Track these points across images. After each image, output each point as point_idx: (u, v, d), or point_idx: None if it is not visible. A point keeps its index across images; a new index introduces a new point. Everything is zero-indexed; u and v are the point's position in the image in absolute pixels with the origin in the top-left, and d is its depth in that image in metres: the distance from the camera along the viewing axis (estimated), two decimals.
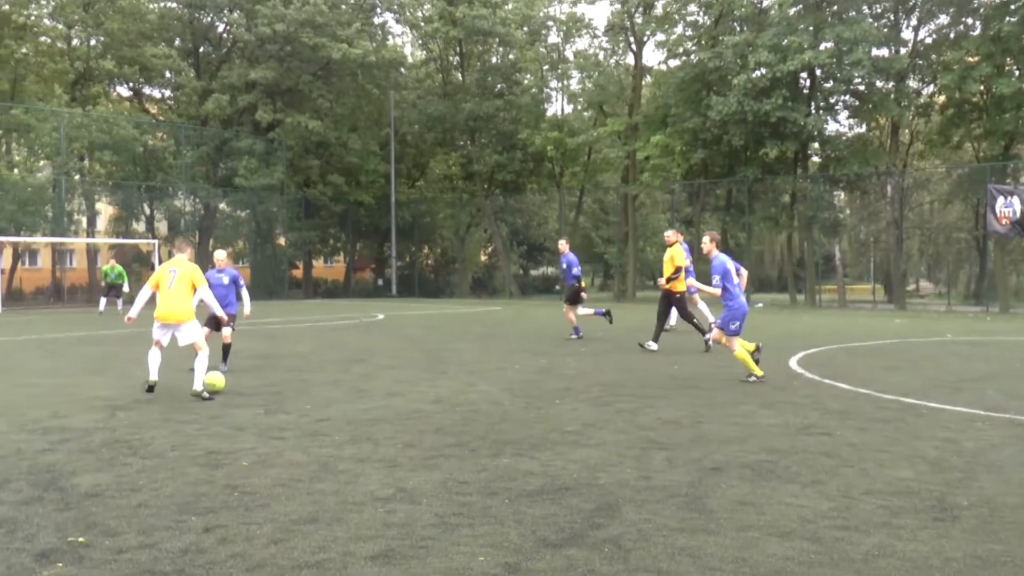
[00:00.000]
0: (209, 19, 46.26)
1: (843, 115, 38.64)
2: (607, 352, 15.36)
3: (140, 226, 47.15)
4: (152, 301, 10.68)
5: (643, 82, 44.18)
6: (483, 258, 63.04)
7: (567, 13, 46.66)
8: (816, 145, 38.68)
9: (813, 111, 35.08)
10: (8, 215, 35.67)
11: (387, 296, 46.10)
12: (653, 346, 15.56)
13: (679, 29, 40.50)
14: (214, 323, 12.47)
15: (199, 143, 43.37)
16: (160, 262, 39.35)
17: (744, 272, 12.20)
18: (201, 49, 46.71)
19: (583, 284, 18.64)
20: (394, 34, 52.66)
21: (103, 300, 29.92)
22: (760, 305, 34.93)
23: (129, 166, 42.43)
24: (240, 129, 44.32)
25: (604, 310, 19.15)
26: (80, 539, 4.93)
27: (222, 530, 5.05)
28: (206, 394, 9.95)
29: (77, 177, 41.69)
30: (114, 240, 46.81)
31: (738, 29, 37.23)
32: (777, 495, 5.71)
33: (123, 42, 41.24)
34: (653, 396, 10.09)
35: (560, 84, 47.78)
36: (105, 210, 50.08)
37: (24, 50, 37.70)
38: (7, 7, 37.00)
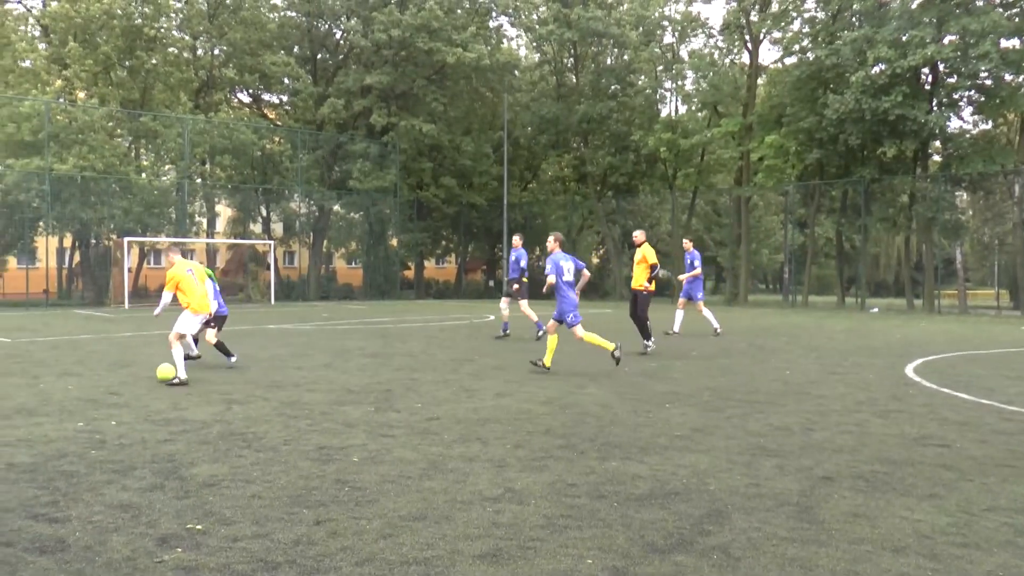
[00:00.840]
0: (327, 27, 47.36)
1: (967, 111, 37.28)
2: (716, 356, 15.17)
3: (257, 227, 48.57)
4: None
5: (758, 81, 43.45)
6: (594, 260, 62.87)
7: (682, 12, 46.19)
8: (937, 143, 37.35)
9: (935, 108, 33.85)
10: (135, 217, 37.28)
11: (498, 297, 46.31)
12: (651, 345, 15.79)
13: (795, 26, 39.69)
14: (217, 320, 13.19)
15: (315, 147, 44.42)
16: (275, 262, 40.52)
17: (586, 273, 13.35)
18: (318, 56, 47.85)
19: (523, 281, 18.84)
20: (508, 37, 53.07)
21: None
22: (875, 310, 33.99)
23: (247, 170, 43.88)
24: (355, 133, 45.23)
25: (540, 332, 18.01)
26: (198, 526, 5.14)
27: (332, 523, 5.19)
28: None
29: (199, 180, 43.31)
30: (232, 241, 48.36)
31: (856, 24, 36.23)
32: (891, 508, 5.57)
33: (244, 51, 42.58)
34: (763, 402, 9.94)
35: (674, 84, 47.38)
36: (224, 212, 51.87)
37: (153, 61, 39.27)
38: (139, 21, 38.61)
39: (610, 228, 49.96)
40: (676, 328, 20.02)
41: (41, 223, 37.23)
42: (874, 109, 32.61)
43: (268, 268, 43.23)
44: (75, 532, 5.04)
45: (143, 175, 39.50)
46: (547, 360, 12.87)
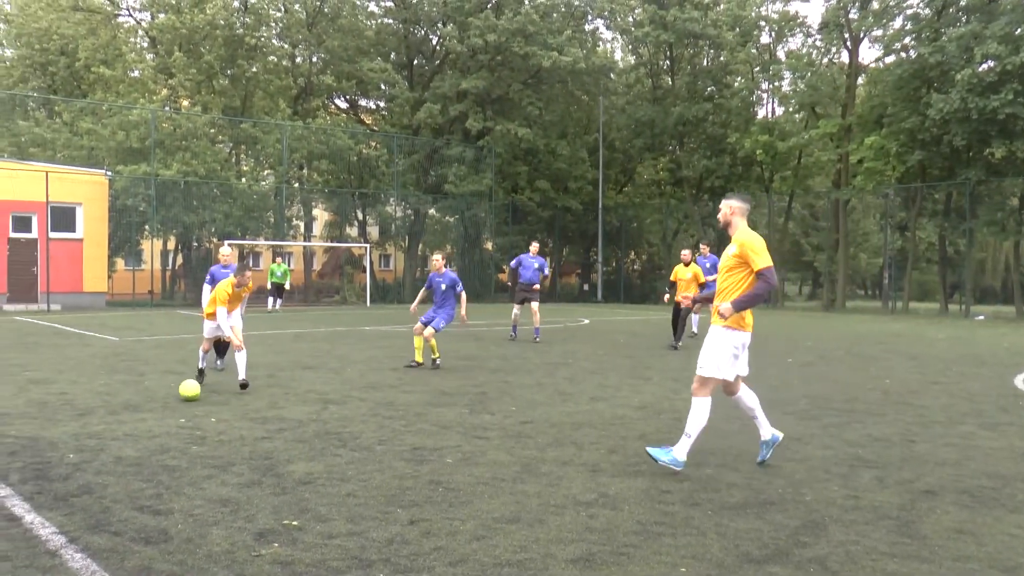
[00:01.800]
0: (423, 32, 47.91)
1: None
2: (812, 363, 14.86)
3: (353, 231, 49.36)
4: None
5: (857, 81, 42.46)
6: None
7: (779, 12, 45.43)
8: None
9: None
10: (235, 220, 38.31)
11: (592, 301, 46.30)
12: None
13: (897, 23, 38.64)
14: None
15: (411, 151, 44.96)
16: (371, 265, 41.12)
17: (463, 295, 14.06)
18: (415, 61, 48.45)
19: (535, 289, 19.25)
20: (604, 40, 52.94)
21: (270, 299, 31.97)
22: (981, 317, 32.87)
23: (344, 174, 44.68)
24: (450, 137, 45.65)
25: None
26: (294, 522, 5.26)
27: (426, 523, 5.25)
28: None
29: (296, 185, 44.27)
30: (328, 244, 49.26)
31: (963, 20, 35.10)
32: (1000, 525, 5.38)
33: (342, 58, 43.38)
34: (862, 411, 9.70)
35: (771, 85, 46.60)
36: (321, 215, 52.88)
37: (254, 69, 40.31)
38: (241, 30, 39.70)
39: (705, 232, 49.38)
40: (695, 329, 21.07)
41: (147, 226, 38.53)
42: (981, 108, 31.54)
43: (364, 271, 43.89)
44: (177, 524, 5.20)
45: (243, 180, 40.56)
46: (418, 356, 13.85)
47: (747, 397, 6.97)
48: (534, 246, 19.92)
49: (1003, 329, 26.49)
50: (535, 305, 18.81)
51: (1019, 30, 31.07)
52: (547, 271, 19.73)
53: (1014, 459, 7.30)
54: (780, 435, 7.02)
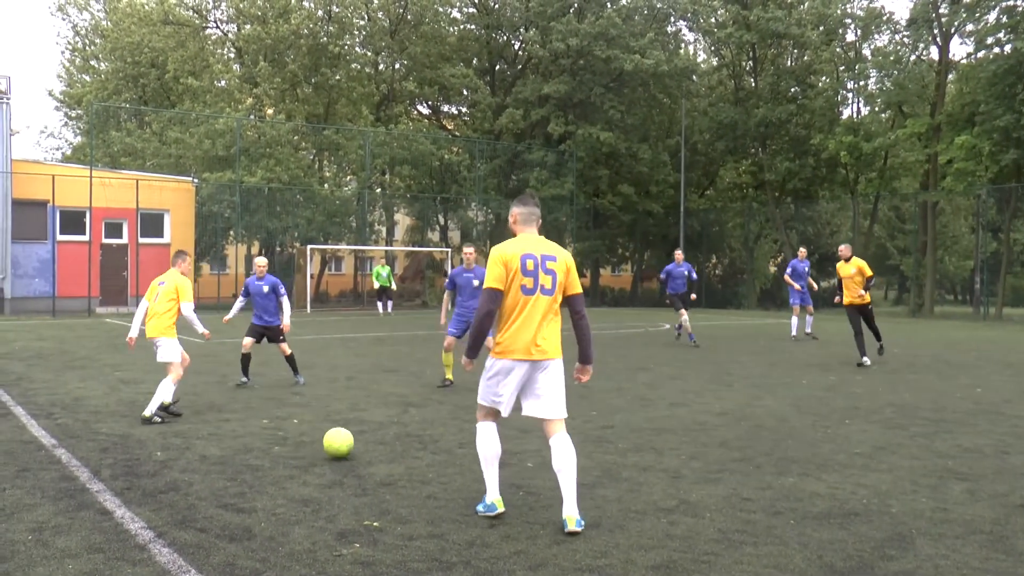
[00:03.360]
0: (505, 38, 48.10)
1: None
2: (900, 371, 14.49)
3: (434, 235, 49.76)
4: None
5: (947, 78, 41.34)
6: (772, 269, 61.34)
7: (865, 9, 44.48)
8: None
9: None
10: (318, 225, 38.95)
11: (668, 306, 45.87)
12: (867, 361, 15.16)
13: (992, 17, 37.47)
14: (257, 335, 12.27)
15: (492, 156, 45.14)
16: (451, 269, 41.36)
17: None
18: (497, 67, 48.68)
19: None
20: (686, 42, 52.52)
21: (380, 304, 32.45)
22: None
23: (425, 179, 45.10)
24: (532, 142, 45.73)
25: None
26: (375, 523, 5.32)
27: (506, 527, 5.26)
28: (157, 419, 8.85)
29: (379, 190, 44.81)
30: (410, 248, 49.74)
31: None
32: None
33: (424, 64, 43.76)
34: (951, 421, 9.41)
35: (856, 85, 45.63)
36: (403, 220, 53.42)
37: (337, 77, 40.93)
38: (324, 39, 40.37)
39: (788, 235, 48.61)
40: (809, 329, 21.47)
41: (231, 232, 39.36)
42: None
43: (445, 275, 44.19)
44: (260, 523, 5.31)
45: (325, 186, 41.19)
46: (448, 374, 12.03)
47: (555, 452, 5.49)
48: (678, 254, 20.22)
49: None
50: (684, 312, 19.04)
51: None
52: (694, 275, 19.68)
53: None
54: (501, 509, 5.52)
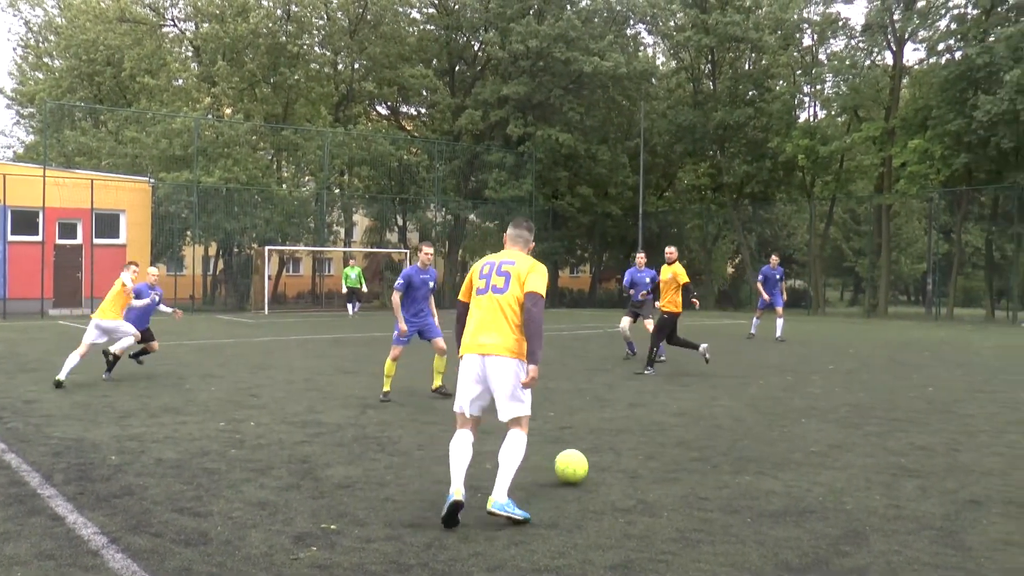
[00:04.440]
0: (465, 39, 48.04)
1: None
2: (856, 371, 14.69)
3: (393, 237, 49.60)
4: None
5: (901, 83, 41.96)
6: (730, 270, 61.86)
7: (822, 14, 45.02)
8: None
9: None
10: (276, 226, 38.68)
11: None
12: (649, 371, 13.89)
13: (943, 24, 38.13)
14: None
15: (451, 157, 45.09)
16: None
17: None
18: (456, 68, 48.62)
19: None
20: (645, 44, 52.81)
21: (349, 305, 32.34)
22: None
23: (384, 180, 44.96)
24: (491, 143, 45.73)
25: None
26: (332, 526, 5.29)
27: (464, 529, 5.25)
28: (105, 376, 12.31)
29: (337, 191, 44.60)
30: (368, 249, 49.56)
31: (1012, 19, 34.56)
32: None
33: (383, 65, 43.60)
34: (904, 420, 9.55)
35: (812, 89, 46.18)
36: (361, 221, 53.19)
37: (296, 76, 40.70)
38: (283, 39, 40.12)
39: (746, 237, 49.06)
40: (779, 333, 21.31)
41: (188, 233, 38.98)
42: None
43: (352, 261, 44.05)
44: (216, 527, 5.26)
45: (284, 186, 40.94)
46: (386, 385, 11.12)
47: (505, 444, 5.71)
48: (640, 257, 17.83)
49: None
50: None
51: None
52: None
53: None
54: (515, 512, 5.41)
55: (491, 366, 5.56)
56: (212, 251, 44.02)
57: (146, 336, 13.09)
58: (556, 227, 47.96)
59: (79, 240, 33.54)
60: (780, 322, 21.75)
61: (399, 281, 10.89)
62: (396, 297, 10.79)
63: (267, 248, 37.62)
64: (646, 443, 7.98)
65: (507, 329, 5.58)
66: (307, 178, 43.78)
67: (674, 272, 14.16)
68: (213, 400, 10.48)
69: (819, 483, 6.53)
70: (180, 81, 41.39)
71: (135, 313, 12.68)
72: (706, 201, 50.71)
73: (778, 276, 21.78)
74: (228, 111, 41.43)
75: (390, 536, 5.11)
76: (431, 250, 11.16)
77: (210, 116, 39.61)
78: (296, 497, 5.97)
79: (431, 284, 11.09)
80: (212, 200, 37.14)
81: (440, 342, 10.98)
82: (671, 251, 15.15)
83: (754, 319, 22.30)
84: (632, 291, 16.83)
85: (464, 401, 5.70)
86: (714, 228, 50.74)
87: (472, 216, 47.41)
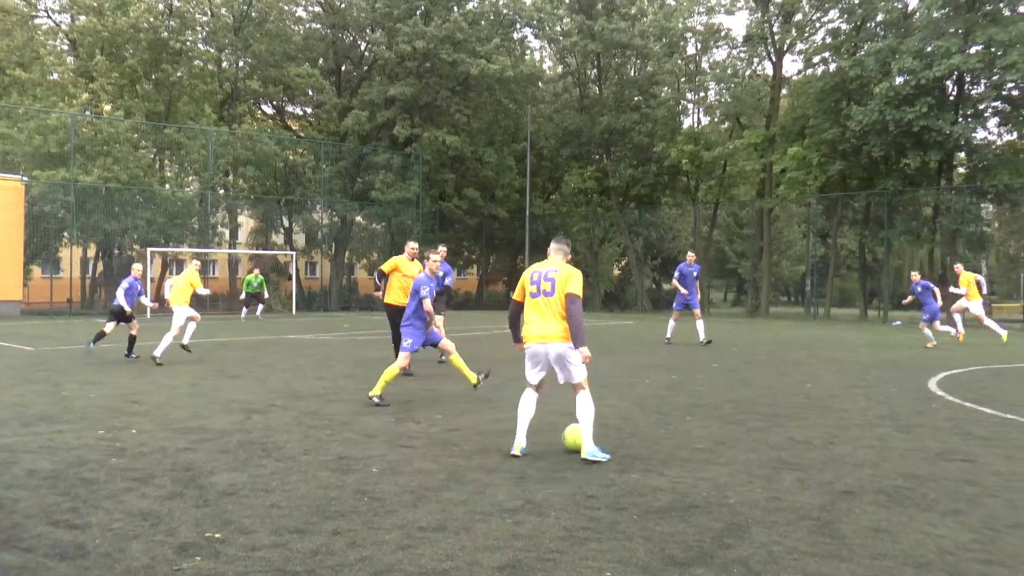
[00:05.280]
0: (351, 38, 47.65)
1: (992, 122, 36.77)
2: (737, 369, 15.09)
3: (279, 238, 48.81)
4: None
5: (781, 92, 43.33)
6: (616, 272, 62.77)
7: (705, 24, 46.19)
8: (962, 155, 37.12)
9: (960, 119, 33.58)
10: (159, 227, 37.65)
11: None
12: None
13: (819, 37, 39.56)
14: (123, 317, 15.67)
15: (337, 158, 44.64)
16: (297, 273, 40.71)
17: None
18: (343, 68, 48.16)
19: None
20: (532, 49, 53.20)
21: (244, 309, 31.59)
22: (898, 323, 33.71)
23: (270, 181, 44.24)
24: (378, 144, 45.44)
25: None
26: (217, 535, 5.16)
27: (351, 534, 5.19)
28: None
29: (222, 191, 43.65)
30: (254, 251, 48.65)
31: (880, 35, 36.10)
32: (914, 523, 5.52)
33: (269, 63, 42.92)
34: (784, 415, 9.87)
35: (696, 96, 47.29)
36: (247, 223, 52.21)
37: (179, 73, 39.68)
38: (165, 34, 39.07)
39: (632, 240, 49.89)
40: (702, 336, 20.54)
41: (66, 233, 37.58)
42: (898, 120, 32.43)
43: (289, 279, 43.42)
44: (95, 539, 5.06)
45: (167, 186, 39.88)
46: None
47: (578, 405, 7.48)
48: (691, 255, 20.78)
49: (919, 335, 27.17)
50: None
51: (931, 46, 31.99)
52: (449, 281, 16.32)
53: (927, 460, 7.49)
54: (600, 456, 7.28)
55: (552, 351, 7.39)
56: (91, 253, 42.56)
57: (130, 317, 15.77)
58: (443, 229, 47.96)
59: None
60: (700, 324, 20.83)
61: (426, 288, 10.76)
62: (428, 305, 10.82)
63: (149, 250, 36.53)
64: (533, 443, 8.01)
65: (557, 323, 7.36)
66: (191, 178, 42.75)
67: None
68: (92, 407, 10.11)
69: (704, 478, 6.67)
70: (55, 75, 39.92)
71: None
72: (592, 204, 51.40)
73: (695, 273, 20.87)
74: (107, 108, 40.13)
75: (276, 543, 5.01)
76: (437, 257, 11.45)
77: (88, 112, 38.32)
78: (179, 506, 5.80)
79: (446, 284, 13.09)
80: (91, 200, 35.93)
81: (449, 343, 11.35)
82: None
83: (670, 322, 21.03)
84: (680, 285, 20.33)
85: (530, 376, 7.66)
86: (600, 231, 51.48)
87: (359, 218, 47.01)
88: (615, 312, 46.19)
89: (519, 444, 7.49)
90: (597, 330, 27.37)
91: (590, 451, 7.23)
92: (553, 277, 7.44)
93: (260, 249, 47.79)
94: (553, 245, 7.75)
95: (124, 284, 15.73)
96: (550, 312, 7.38)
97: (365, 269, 53.20)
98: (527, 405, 7.70)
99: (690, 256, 21.28)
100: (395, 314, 12.88)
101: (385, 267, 13.75)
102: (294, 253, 42.97)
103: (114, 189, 36.16)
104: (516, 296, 7.77)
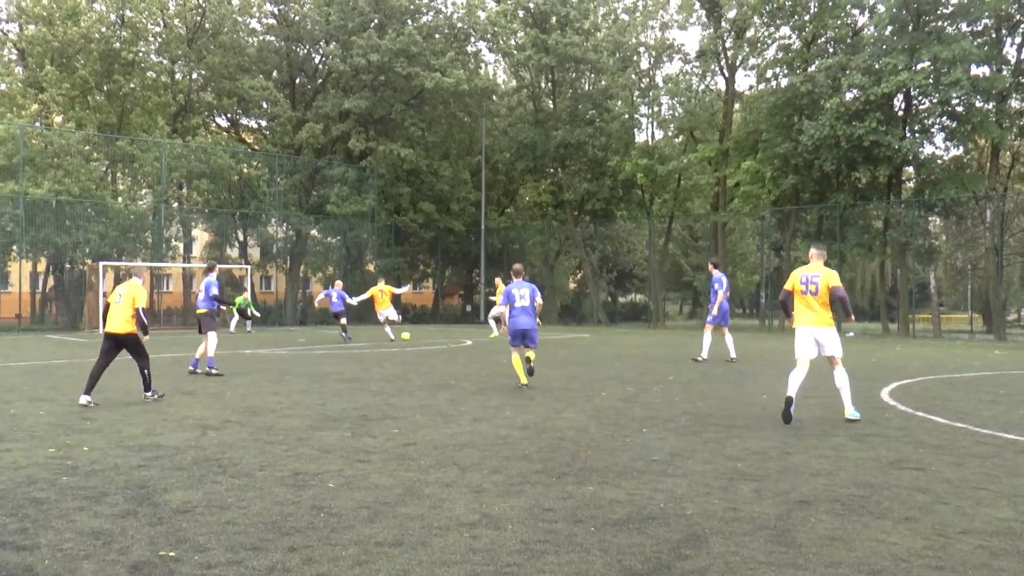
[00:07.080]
0: (306, 51, 47.46)
1: (939, 138, 37.54)
2: (693, 381, 15.19)
3: (234, 252, 48.35)
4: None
5: (734, 107, 43.81)
6: (572, 285, 62.95)
7: (658, 39, 46.57)
8: (910, 169, 37.77)
9: (908, 134, 34.18)
10: (111, 241, 37.12)
11: (475, 322, 46.33)
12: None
13: (770, 53, 40.08)
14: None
15: (292, 171, 44.37)
16: (252, 287, 40.37)
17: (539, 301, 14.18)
18: (297, 80, 47.91)
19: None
20: (486, 62, 53.29)
21: (232, 322, 33.43)
22: (851, 334, 34.14)
23: (224, 194, 43.84)
24: (333, 157, 45.25)
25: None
26: (171, 553, 5.08)
27: (307, 550, 5.14)
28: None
29: (175, 205, 43.20)
30: (207, 265, 48.17)
31: (831, 51, 36.68)
32: (868, 531, 5.57)
33: (223, 75, 42.58)
34: (741, 426, 9.95)
35: (650, 110, 47.65)
36: (201, 236, 51.64)
37: (131, 85, 39.22)
38: (117, 45, 38.61)
39: (588, 253, 50.09)
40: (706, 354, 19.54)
41: (14, 247, 36.92)
42: (848, 135, 32.90)
43: (244, 293, 43.03)
44: (44, 560, 4.96)
45: (119, 199, 39.37)
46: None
47: (836, 377, 10.57)
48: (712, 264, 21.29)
49: (871, 345, 27.60)
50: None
51: (879, 63, 32.54)
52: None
53: (880, 468, 7.58)
54: (858, 414, 10.41)
55: (820, 333, 10.28)
56: (41, 267, 41.85)
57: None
58: (398, 243, 47.82)
59: None
60: (730, 339, 20.05)
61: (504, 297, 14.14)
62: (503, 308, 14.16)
63: (101, 264, 35.98)
64: (490, 457, 8.01)
65: (824, 312, 10.30)
66: (144, 191, 42.18)
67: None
68: (42, 425, 9.93)
69: (661, 490, 6.69)
70: (3, 86, 39.27)
71: None
72: (548, 218, 51.56)
73: (715, 286, 20.01)
74: (58, 119, 39.55)
75: (232, 560, 4.95)
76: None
77: (37, 124, 37.74)
78: (133, 524, 5.70)
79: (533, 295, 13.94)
80: (41, 213, 35.35)
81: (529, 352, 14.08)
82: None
83: (726, 339, 20.00)
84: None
85: (802, 355, 10.34)
86: (556, 244, 51.61)
87: (314, 231, 46.74)
88: (571, 325, 46.29)
89: (790, 397, 10.05)
90: (553, 343, 27.43)
91: (852, 412, 10.31)
92: (816, 281, 10.25)
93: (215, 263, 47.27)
94: (814, 250, 10.62)
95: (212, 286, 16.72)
96: (817, 306, 10.23)
97: (320, 283, 52.85)
98: (800, 375, 10.28)
99: (711, 266, 20.69)
100: None
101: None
102: (249, 267, 42.54)
103: (65, 202, 35.63)
104: (787, 286, 10.63)
